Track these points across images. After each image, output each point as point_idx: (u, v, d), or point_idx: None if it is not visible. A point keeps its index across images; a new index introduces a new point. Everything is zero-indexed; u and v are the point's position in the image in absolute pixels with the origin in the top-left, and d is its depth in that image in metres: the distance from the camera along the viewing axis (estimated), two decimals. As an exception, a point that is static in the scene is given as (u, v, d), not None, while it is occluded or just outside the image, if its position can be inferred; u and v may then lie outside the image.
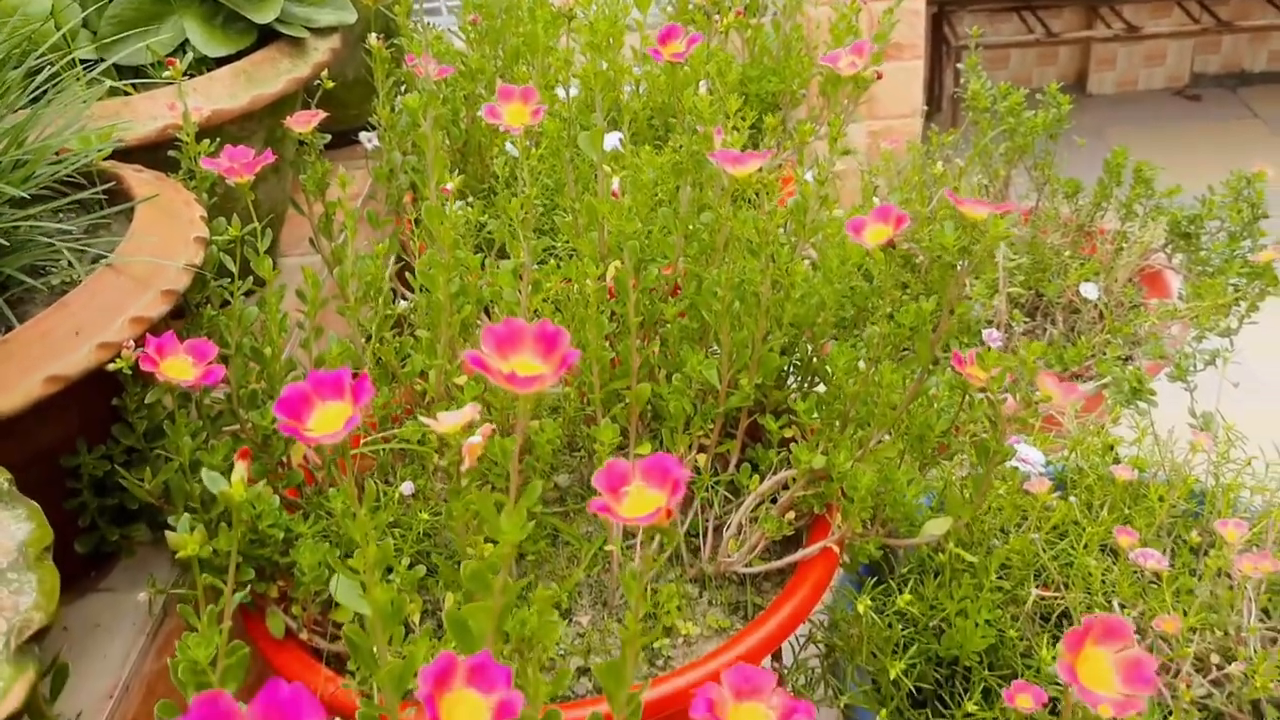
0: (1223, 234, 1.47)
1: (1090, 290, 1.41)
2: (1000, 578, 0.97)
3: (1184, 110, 3.31)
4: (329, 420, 0.51)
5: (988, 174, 1.59)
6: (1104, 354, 1.36)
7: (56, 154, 0.87)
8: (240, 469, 0.54)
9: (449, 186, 0.87)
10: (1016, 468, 1.00)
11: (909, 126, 2.48)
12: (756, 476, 0.92)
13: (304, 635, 0.85)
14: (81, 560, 0.85)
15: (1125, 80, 3.40)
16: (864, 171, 1.67)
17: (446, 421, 0.61)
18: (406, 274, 1.04)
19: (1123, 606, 0.94)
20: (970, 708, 0.91)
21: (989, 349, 0.87)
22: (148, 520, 0.87)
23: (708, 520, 0.97)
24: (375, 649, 0.56)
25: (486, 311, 0.98)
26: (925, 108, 2.66)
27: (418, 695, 0.43)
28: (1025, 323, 1.46)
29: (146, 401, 0.76)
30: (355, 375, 0.53)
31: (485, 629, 0.52)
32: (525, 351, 0.52)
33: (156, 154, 1.00)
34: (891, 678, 0.90)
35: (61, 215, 0.87)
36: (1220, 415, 1.22)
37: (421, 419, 0.63)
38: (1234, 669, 0.88)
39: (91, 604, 0.86)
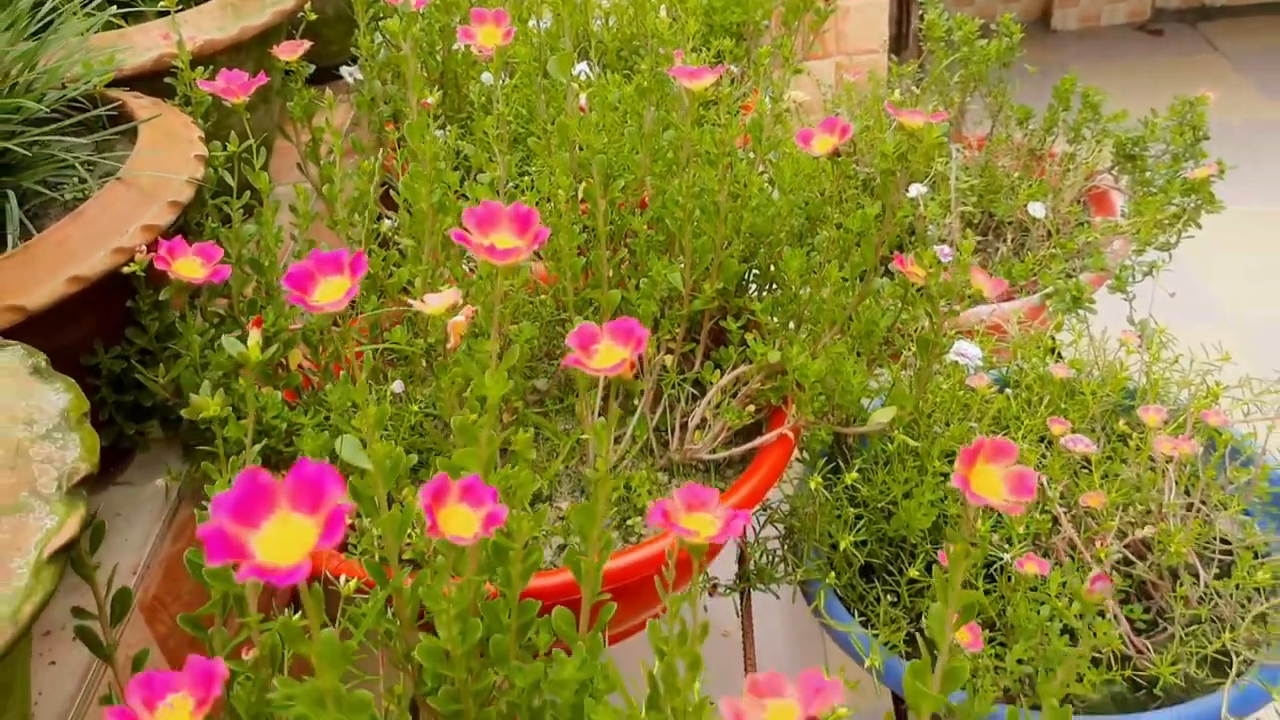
0: (1166, 156, 1.55)
1: (1038, 209, 1.49)
2: (943, 463, 1.06)
3: (1146, 45, 3.38)
4: (331, 291, 0.59)
5: (944, 102, 1.66)
6: (1049, 268, 1.45)
7: (62, 81, 0.93)
8: (255, 334, 0.61)
9: (429, 100, 0.94)
10: (957, 362, 1.09)
11: (874, 61, 2.55)
12: (719, 371, 1.01)
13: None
14: (102, 455, 0.92)
15: (1088, 16, 3.47)
16: (826, 102, 1.75)
17: (433, 303, 0.68)
18: (392, 193, 1.11)
19: (1052, 480, 1.03)
20: (913, 574, 1.01)
21: (931, 257, 0.96)
22: (160, 417, 0.94)
23: (675, 416, 1.05)
24: (376, 499, 0.64)
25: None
26: (889, 41, 2.73)
27: (420, 507, 0.51)
28: (978, 240, 1.55)
29: (161, 299, 0.83)
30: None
31: (474, 470, 0.60)
32: (502, 229, 0.60)
33: (153, 83, 1.06)
34: (842, 549, 0.99)
35: (69, 136, 0.93)
36: (1154, 319, 1.31)
37: (411, 302, 0.71)
38: (1146, 531, 0.98)
39: (112, 495, 0.94)
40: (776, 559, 1.11)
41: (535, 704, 0.63)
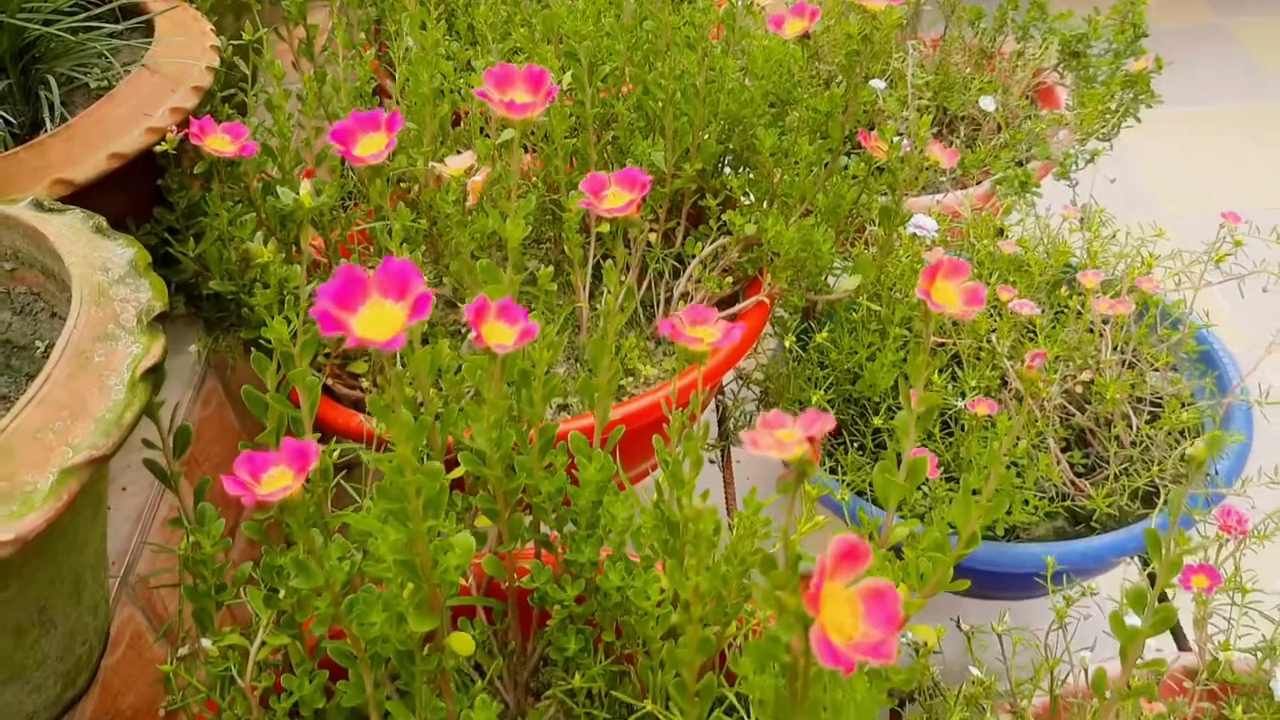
0: (1108, 54, 1.65)
1: (988, 103, 1.59)
2: (904, 328, 1.16)
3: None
4: (370, 145, 0.67)
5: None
6: (999, 157, 1.55)
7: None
8: (307, 184, 0.69)
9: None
10: (915, 234, 1.18)
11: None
12: (699, 245, 1.10)
13: (329, 382, 1.01)
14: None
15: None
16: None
17: (454, 164, 0.76)
18: (387, 84, 1.18)
19: (1000, 339, 1.14)
20: (877, 423, 1.11)
21: (892, 131, 1.05)
22: (186, 294, 1.02)
23: (660, 290, 1.14)
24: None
25: (457, 117, 1.13)
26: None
27: (466, 319, 0.60)
28: (934, 133, 1.64)
29: (195, 172, 0.90)
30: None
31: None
32: (518, 87, 0.68)
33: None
34: (814, 402, 1.09)
35: (92, 26, 0.99)
36: (1094, 200, 1.42)
37: (432, 164, 0.79)
38: (1084, 376, 1.09)
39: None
40: (753, 419, 1.22)
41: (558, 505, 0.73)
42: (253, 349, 0.76)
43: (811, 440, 0.45)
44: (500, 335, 0.61)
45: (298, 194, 0.67)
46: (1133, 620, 0.78)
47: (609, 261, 0.72)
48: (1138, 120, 1.60)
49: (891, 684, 0.69)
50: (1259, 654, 0.92)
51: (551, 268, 0.71)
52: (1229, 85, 2.82)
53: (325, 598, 0.59)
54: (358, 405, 1.03)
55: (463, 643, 0.63)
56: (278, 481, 0.54)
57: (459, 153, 0.79)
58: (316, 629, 0.61)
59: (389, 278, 0.49)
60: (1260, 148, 2.56)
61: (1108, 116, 1.57)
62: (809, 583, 0.39)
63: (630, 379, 1.07)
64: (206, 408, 1.02)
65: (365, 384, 1.04)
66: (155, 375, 0.64)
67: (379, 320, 0.48)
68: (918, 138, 1.01)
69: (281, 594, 0.70)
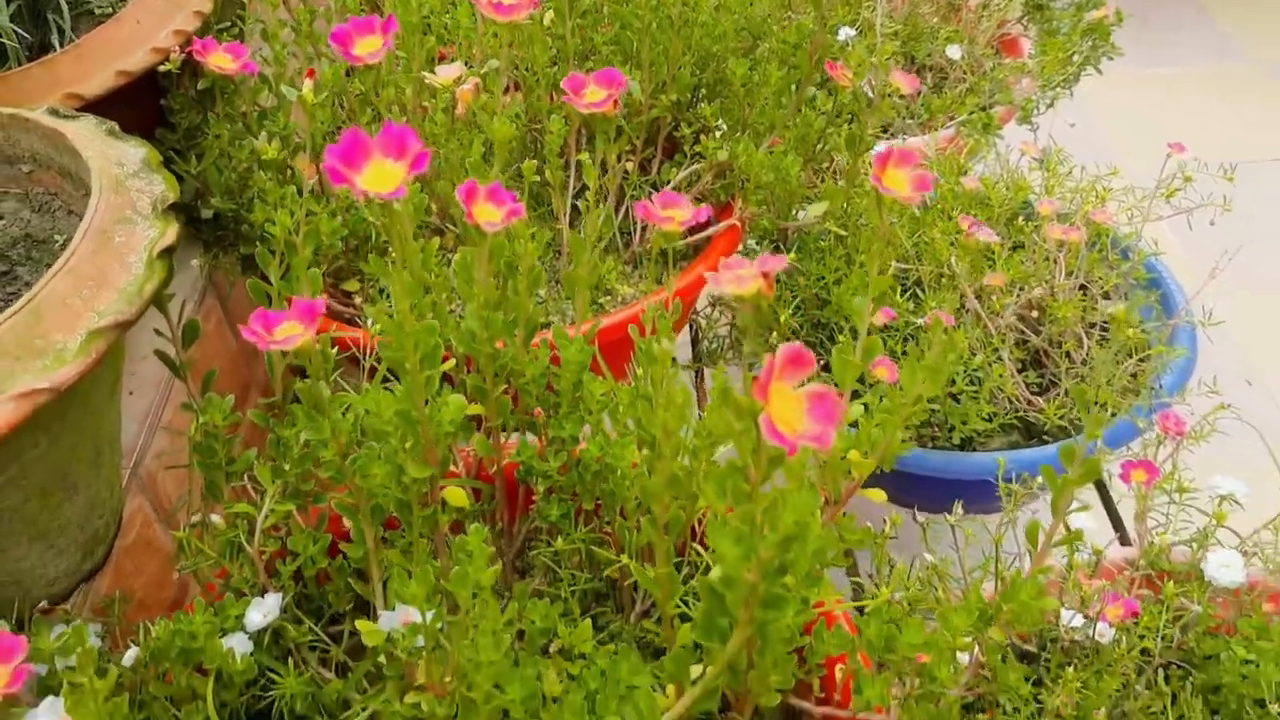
0: (1070, 6, 1.71)
1: (954, 51, 1.65)
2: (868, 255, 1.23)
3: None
4: (368, 46, 0.72)
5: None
6: (964, 103, 1.61)
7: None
8: (309, 83, 0.74)
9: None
10: (880, 164, 1.24)
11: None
12: (675, 168, 1.16)
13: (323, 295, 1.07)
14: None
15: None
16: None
17: (443, 74, 0.82)
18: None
19: (959, 260, 1.20)
20: (842, 339, 1.18)
21: (857, 58, 1.11)
22: (186, 215, 1.07)
23: (636, 217, 1.20)
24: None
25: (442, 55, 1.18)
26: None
27: (458, 198, 0.66)
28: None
29: (198, 89, 0.95)
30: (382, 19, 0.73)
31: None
32: (506, -5, 0.74)
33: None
34: (783, 320, 1.16)
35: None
36: (1053, 140, 1.48)
37: (424, 75, 0.84)
38: (1038, 293, 1.16)
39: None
40: (725, 344, 1.28)
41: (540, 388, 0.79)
42: (255, 250, 0.81)
43: (766, 276, 0.52)
44: (488, 214, 0.67)
45: (300, 91, 0.73)
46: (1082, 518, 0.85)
47: (588, 159, 0.78)
48: (1099, 71, 1.67)
49: (847, 542, 0.76)
50: (1194, 545, 0.99)
51: (535, 161, 0.77)
52: (1195, 48, 2.89)
53: (331, 448, 0.64)
54: (352, 323, 1.08)
55: (456, 496, 0.69)
56: (289, 332, 0.59)
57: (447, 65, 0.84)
58: (325, 471, 0.66)
59: (390, 139, 0.55)
60: (1225, 107, 2.64)
61: (1068, 66, 1.64)
62: (760, 380, 0.46)
63: (608, 298, 1.13)
64: (206, 324, 1.08)
65: (359, 301, 1.10)
66: (169, 258, 0.70)
67: (381, 176, 0.54)
68: (880, 65, 1.07)
69: (287, 466, 0.76)
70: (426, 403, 0.66)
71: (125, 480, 0.88)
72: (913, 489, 1.20)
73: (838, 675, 0.74)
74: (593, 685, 0.69)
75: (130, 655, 0.67)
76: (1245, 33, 2.94)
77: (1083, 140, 1.59)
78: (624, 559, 0.73)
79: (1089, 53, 1.61)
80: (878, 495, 0.79)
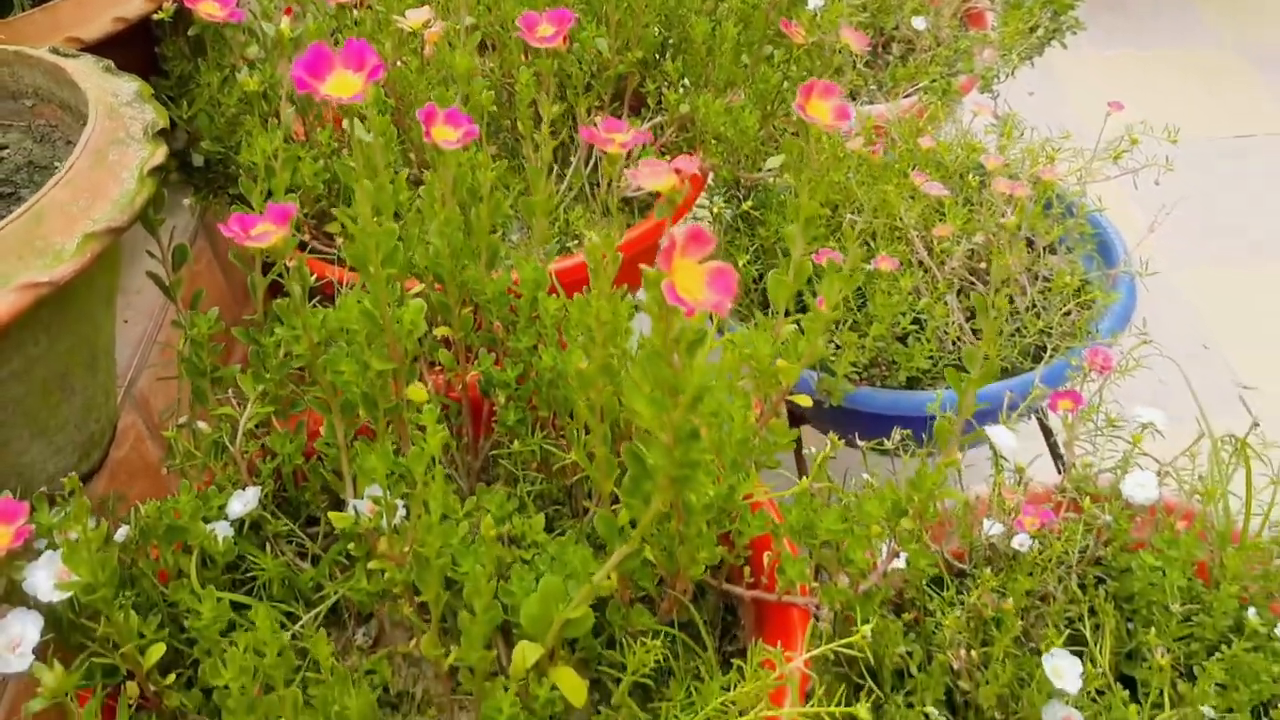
0: (1036, -19, 1.78)
1: (920, 22, 1.72)
2: (826, 209, 1.30)
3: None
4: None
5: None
6: (928, 71, 1.68)
7: None
8: (286, 19, 0.81)
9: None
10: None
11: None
12: (640, 121, 1.23)
13: (306, 239, 1.14)
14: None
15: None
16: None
17: (413, 16, 0.89)
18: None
19: (909, 210, 1.27)
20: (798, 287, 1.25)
21: (809, 16, 1.18)
22: (179, 161, 1.14)
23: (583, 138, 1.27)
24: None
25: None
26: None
27: (419, 120, 0.73)
28: (869, 51, 1.77)
29: (188, 34, 1.02)
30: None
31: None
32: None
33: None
34: (740, 265, 1.23)
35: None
36: (1009, 105, 1.55)
37: (394, 18, 0.91)
38: (980, 239, 1.23)
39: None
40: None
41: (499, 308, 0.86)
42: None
43: (679, 173, 0.59)
44: (446, 134, 0.74)
45: (278, 27, 0.80)
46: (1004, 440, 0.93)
47: (545, 100, 0.85)
48: (1063, 45, 1.74)
49: (778, 446, 0.83)
50: (1116, 470, 1.07)
51: (492, 91, 0.84)
52: (1173, 33, 2.95)
53: (303, 342, 0.72)
54: (340, 261, 1.15)
55: (417, 392, 0.76)
56: (264, 230, 0.67)
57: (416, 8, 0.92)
58: (298, 364, 0.73)
59: (350, 54, 0.62)
60: (1191, 88, 2.70)
61: (1030, 36, 1.70)
62: (664, 252, 0.53)
63: (576, 243, 1.20)
64: (197, 264, 1.15)
65: (340, 242, 1.17)
66: (159, 176, 0.77)
67: (342, 84, 0.62)
68: (829, 20, 1.14)
69: (267, 374, 0.83)
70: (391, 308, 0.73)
71: (120, 398, 0.95)
72: (861, 426, 1.27)
73: (765, 561, 0.81)
74: (543, 569, 0.76)
75: (122, 532, 0.75)
76: (1225, 20, 3.00)
77: (1047, 113, 1.65)
78: (573, 455, 0.80)
79: (1050, 24, 1.68)
80: (804, 400, 0.86)
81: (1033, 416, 1.35)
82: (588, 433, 0.83)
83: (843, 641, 0.72)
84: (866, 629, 0.71)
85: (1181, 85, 2.71)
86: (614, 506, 0.77)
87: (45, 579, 0.64)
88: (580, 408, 0.83)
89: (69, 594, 0.63)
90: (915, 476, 0.78)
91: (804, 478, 0.80)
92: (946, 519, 1.01)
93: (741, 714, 0.70)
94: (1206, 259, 2.19)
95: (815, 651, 0.72)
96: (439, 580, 0.66)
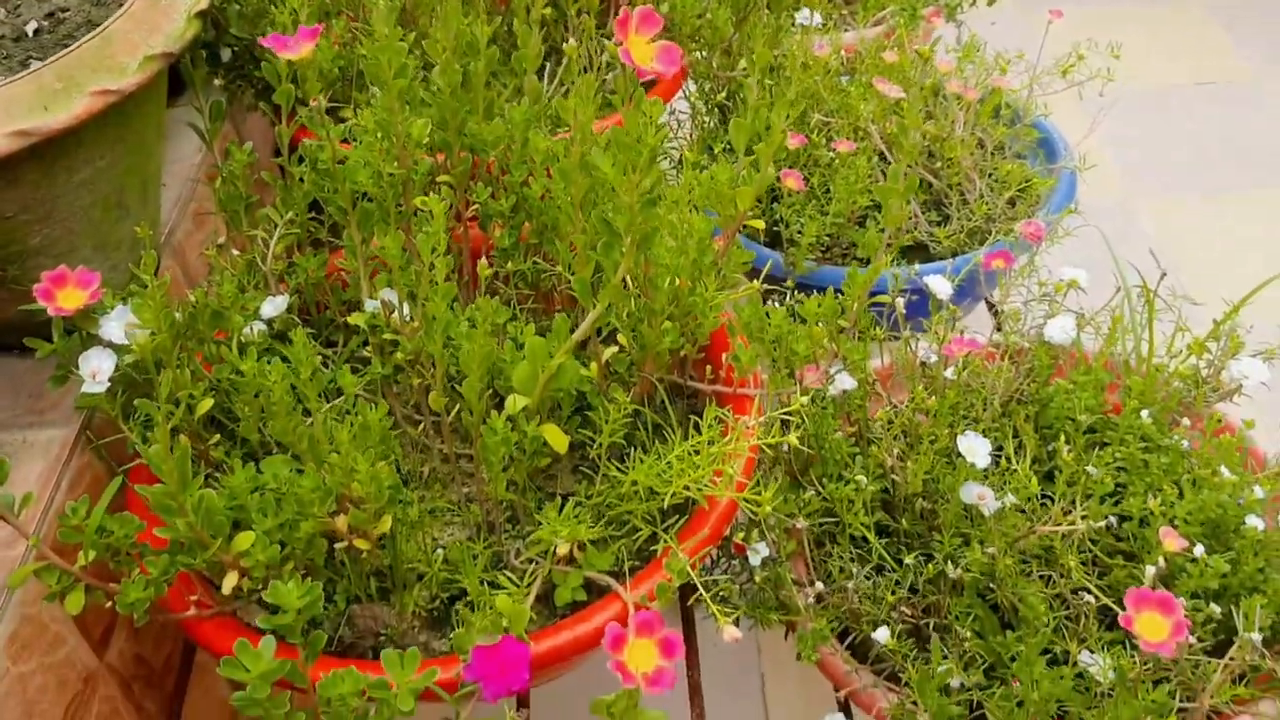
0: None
1: (890, -43, 1.85)
2: (794, 111, 1.42)
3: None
4: None
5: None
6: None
7: None
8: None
9: None
10: (805, 25, 1.45)
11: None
12: (623, 23, 1.36)
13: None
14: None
15: None
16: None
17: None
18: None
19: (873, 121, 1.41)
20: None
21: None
22: (207, 51, 1.27)
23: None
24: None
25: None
26: None
27: None
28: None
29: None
30: None
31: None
32: None
33: None
34: (716, 152, 1.36)
35: None
36: (970, 29, 1.68)
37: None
38: (929, 126, 1.36)
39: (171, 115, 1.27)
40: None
41: (496, 148, 0.99)
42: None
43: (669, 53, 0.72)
44: (450, -19, 0.87)
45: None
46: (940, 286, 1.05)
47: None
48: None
49: (736, 262, 0.96)
50: (1044, 319, 1.20)
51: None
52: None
53: (327, 151, 0.85)
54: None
55: (425, 201, 0.89)
56: (299, 44, 0.80)
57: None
58: (321, 167, 0.87)
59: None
60: (1156, 39, 2.83)
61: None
62: (620, 22, 0.66)
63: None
64: (203, 189, 1.28)
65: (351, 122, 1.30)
66: (203, 19, 0.90)
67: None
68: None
69: (297, 197, 0.96)
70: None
71: (161, 241, 1.09)
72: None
73: (724, 361, 0.94)
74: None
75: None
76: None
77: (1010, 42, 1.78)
78: (559, 269, 0.94)
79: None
80: (757, 223, 0.99)
81: (983, 300, 1.48)
82: (573, 253, 0.96)
83: (784, 410, 0.85)
84: (804, 399, 0.84)
85: (1148, 38, 2.84)
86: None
87: (117, 328, 0.77)
88: (563, 221, 0.96)
89: (139, 335, 0.76)
90: (847, 280, 0.91)
91: (756, 280, 0.93)
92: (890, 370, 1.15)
93: (699, 465, 0.83)
94: (1161, 189, 2.32)
95: (762, 418, 0.85)
96: (443, 335, 0.79)
